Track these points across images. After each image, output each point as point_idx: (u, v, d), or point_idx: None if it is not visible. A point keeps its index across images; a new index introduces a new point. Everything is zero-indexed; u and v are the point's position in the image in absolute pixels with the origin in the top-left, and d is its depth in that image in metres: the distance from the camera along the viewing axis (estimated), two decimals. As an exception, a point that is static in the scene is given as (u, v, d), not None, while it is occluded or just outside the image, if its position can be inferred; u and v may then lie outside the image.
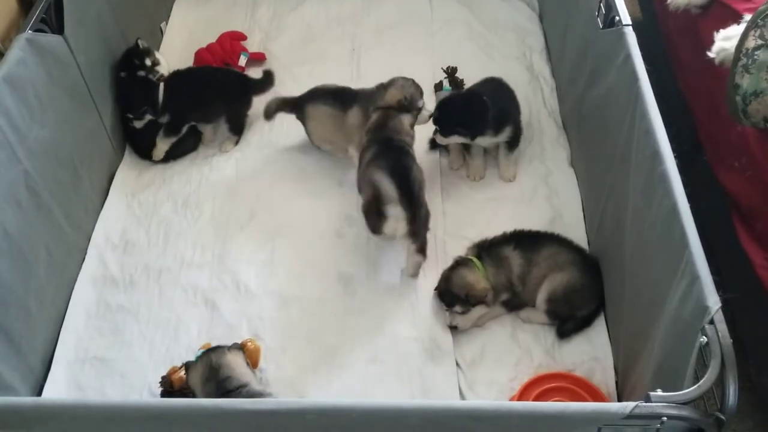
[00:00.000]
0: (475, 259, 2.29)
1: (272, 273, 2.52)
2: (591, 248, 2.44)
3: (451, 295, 2.25)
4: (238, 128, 2.97)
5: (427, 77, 3.02)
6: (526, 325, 2.30)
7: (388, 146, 2.38)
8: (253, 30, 3.44)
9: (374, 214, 2.30)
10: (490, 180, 2.74)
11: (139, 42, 2.93)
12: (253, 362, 2.20)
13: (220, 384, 1.94)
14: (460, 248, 2.45)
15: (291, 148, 2.93)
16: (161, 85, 2.88)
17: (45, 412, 1.44)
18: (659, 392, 1.36)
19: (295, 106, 2.83)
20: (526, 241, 2.33)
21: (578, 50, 2.62)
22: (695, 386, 1.36)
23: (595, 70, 2.37)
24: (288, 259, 2.55)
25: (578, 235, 2.50)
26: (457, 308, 2.25)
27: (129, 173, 2.91)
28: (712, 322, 1.44)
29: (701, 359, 1.47)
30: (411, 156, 2.40)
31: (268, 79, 3.04)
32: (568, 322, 2.24)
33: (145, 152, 2.93)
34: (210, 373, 1.93)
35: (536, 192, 2.67)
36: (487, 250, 2.33)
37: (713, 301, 1.45)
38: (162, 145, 2.90)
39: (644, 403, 1.34)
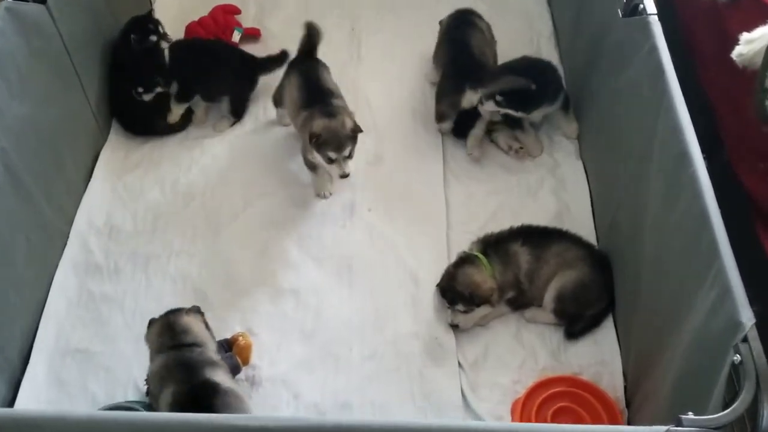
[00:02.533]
0: (481, 256, 2.19)
1: (267, 263, 2.40)
2: (600, 244, 2.34)
3: (455, 292, 2.15)
4: (239, 110, 2.83)
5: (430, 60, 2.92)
6: (531, 325, 2.20)
7: (457, 22, 2.66)
8: (247, 3, 3.27)
9: (450, 90, 2.57)
10: (495, 171, 2.63)
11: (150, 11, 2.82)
12: (243, 359, 2.09)
13: (175, 336, 1.89)
14: (463, 241, 2.34)
15: (289, 132, 2.79)
16: (167, 55, 2.73)
17: (22, 425, 1.32)
18: (691, 415, 1.26)
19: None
20: (534, 236, 2.23)
21: (593, 38, 2.49)
22: (730, 409, 1.27)
23: (614, 60, 2.25)
24: (283, 249, 2.43)
25: (586, 229, 2.40)
26: (460, 307, 2.15)
27: (115, 154, 2.76)
28: (745, 339, 1.34)
29: (729, 378, 1.38)
30: (477, 28, 2.64)
31: (280, 58, 2.84)
32: (577, 322, 2.15)
33: (144, 126, 2.78)
34: (166, 328, 1.91)
35: (543, 184, 2.57)
36: (493, 245, 2.22)
37: (747, 317, 1.36)
38: (177, 109, 2.75)
39: (676, 428, 1.24)
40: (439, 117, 2.66)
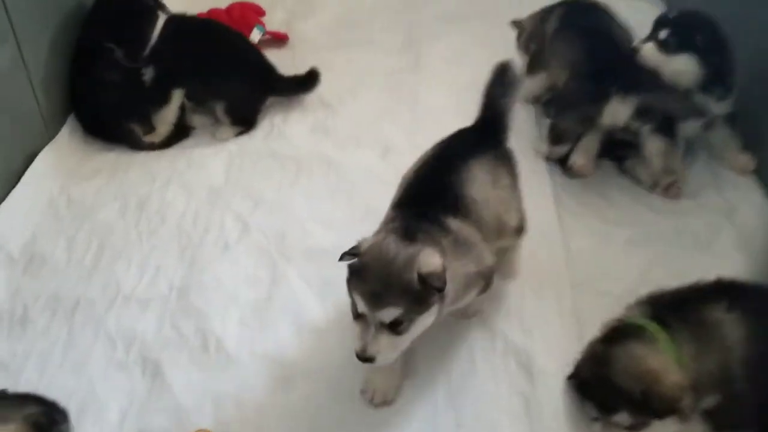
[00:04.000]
0: (654, 327, 1.22)
1: (267, 324, 1.46)
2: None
3: (611, 389, 1.17)
4: (242, 119, 1.99)
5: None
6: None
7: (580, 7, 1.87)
8: (274, 7, 2.51)
9: (581, 98, 1.71)
10: (634, 209, 1.73)
11: None
12: None
13: None
14: (597, 308, 1.41)
15: (312, 146, 1.93)
16: (160, 26, 1.95)
17: None
18: None
19: None
20: (749, 297, 1.27)
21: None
22: None
23: None
24: (295, 302, 1.49)
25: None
26: (623, 418, 1.16)
27: (65, 155, 1.94)
28: None
29: None
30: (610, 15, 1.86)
31: (308, 81, 2.05)
32: None
33: (112, 132, 1.95)
34: None
35: (718, 233, 1.63)
36: (673, 309, 1.26)
37: None
38: (161, 126, 1.95)
39: None
40: (556, 137, 1.81)
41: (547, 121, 1.97)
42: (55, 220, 1.73)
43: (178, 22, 1.99)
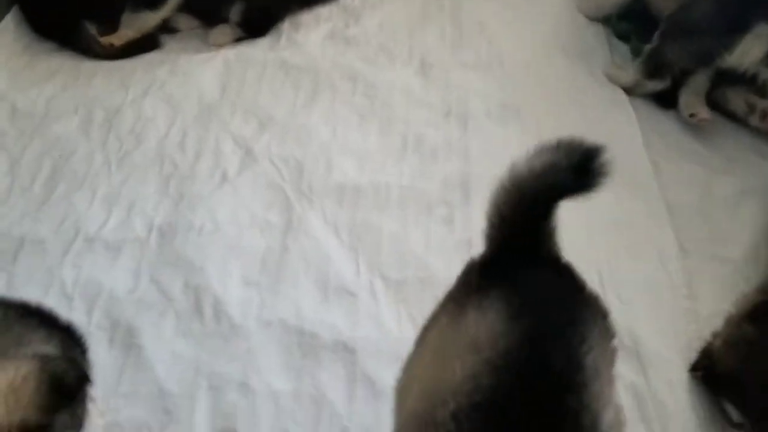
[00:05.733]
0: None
1: (281, 283, 1.10)
2: None
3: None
4: (257, 24, 1.58)
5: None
6: None
7: None
8: None
9: (713, 28, 1.30)
10: (736, 150, 1.38)
11: None
12: None
13: None
14: (712, 277, 1.12)
15: (332, 58, 1.53)
16: None
17: None
18: None
19: None
20: None
21: None
22: None
23: None
24: (318, 254, 1.13)
25: None
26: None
27: (9, 53, 1.53)
28: None
29: None
30: None
31: None
32: None
33: (65, 34, 1.51)
34: None
35: None
36: None
37: None
38: (131, 29, 1.51)
39: None
40: (654, 69, 1.43)
41: (618, 43, 1.61)
42: (-8, 135, 1.32)
43: None
